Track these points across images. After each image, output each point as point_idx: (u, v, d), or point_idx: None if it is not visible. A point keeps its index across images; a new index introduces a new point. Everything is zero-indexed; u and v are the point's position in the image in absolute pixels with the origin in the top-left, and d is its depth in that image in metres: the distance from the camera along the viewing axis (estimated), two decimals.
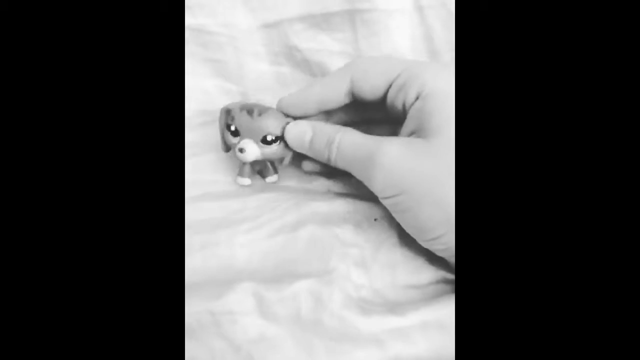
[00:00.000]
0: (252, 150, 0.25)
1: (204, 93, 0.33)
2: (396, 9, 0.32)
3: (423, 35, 0.34)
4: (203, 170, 0.30)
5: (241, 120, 0.25)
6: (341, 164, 0.23)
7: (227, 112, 0.26)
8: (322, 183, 0.30)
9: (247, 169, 0.28)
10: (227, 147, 0.28)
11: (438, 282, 0.24)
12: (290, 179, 0.30)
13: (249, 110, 0.25)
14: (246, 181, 0.28)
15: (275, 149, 0.26)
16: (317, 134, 0.24)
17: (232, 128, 0.26)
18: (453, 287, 0.24)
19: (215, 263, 0.24)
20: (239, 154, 0.26)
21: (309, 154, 0.25)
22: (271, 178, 0.29)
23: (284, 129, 0.25)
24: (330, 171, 0.28)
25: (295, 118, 0.26)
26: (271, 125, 0.25)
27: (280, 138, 0.25)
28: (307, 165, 0.28)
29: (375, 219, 0.27)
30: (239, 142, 0.26)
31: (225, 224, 0.26)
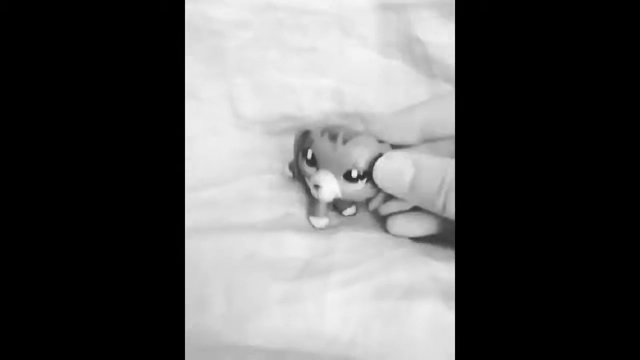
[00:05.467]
0: (330, 188, 0.19)
1: (291, 92, 0.26)
2: None
3: None
4: (281, 187, 0.24)
5: (321, 147, 0.19)
6: None
7: (305, 135, 0.21)
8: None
9: (322, 206, 0.21)
10: (295, 174, 0.22)
11: None
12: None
13: (332, 134, 0.19)
14: (322, 222, 0.22)
15: (360, 187, 0.19)
16: (423, 172, 0.17)
17: (309, 155, 0.20)
18: None
19: (300, 326, 0.18)
20: (313, 190, 0.20)
21: (408, 199, 0.18)
22: (349, 210, 0.23)
23: (374, 162, 0.18)
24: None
25: (392, 146, 0.19)
26: (358, 157, 0.18)
27: (369, 174, 0.19)
28: (387, 207, 0.21)
29: None
30: (315, 175, 0.19)
31: (311, 270, 0.19)
